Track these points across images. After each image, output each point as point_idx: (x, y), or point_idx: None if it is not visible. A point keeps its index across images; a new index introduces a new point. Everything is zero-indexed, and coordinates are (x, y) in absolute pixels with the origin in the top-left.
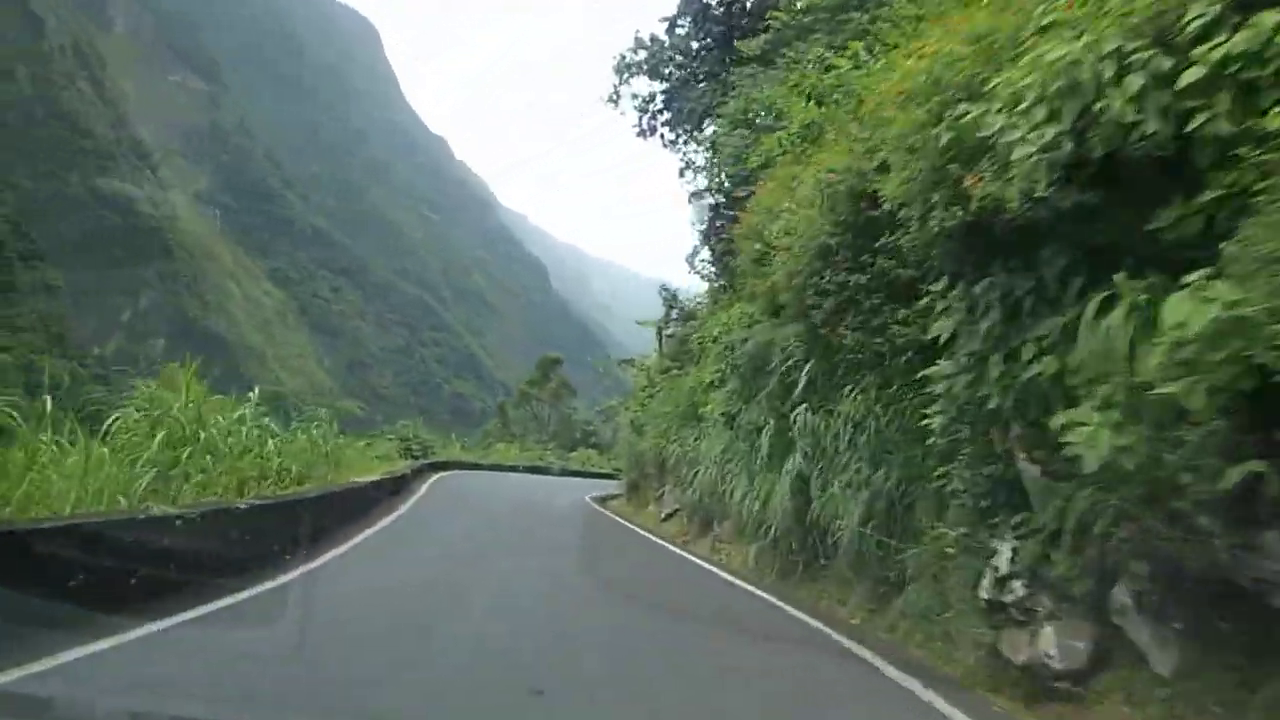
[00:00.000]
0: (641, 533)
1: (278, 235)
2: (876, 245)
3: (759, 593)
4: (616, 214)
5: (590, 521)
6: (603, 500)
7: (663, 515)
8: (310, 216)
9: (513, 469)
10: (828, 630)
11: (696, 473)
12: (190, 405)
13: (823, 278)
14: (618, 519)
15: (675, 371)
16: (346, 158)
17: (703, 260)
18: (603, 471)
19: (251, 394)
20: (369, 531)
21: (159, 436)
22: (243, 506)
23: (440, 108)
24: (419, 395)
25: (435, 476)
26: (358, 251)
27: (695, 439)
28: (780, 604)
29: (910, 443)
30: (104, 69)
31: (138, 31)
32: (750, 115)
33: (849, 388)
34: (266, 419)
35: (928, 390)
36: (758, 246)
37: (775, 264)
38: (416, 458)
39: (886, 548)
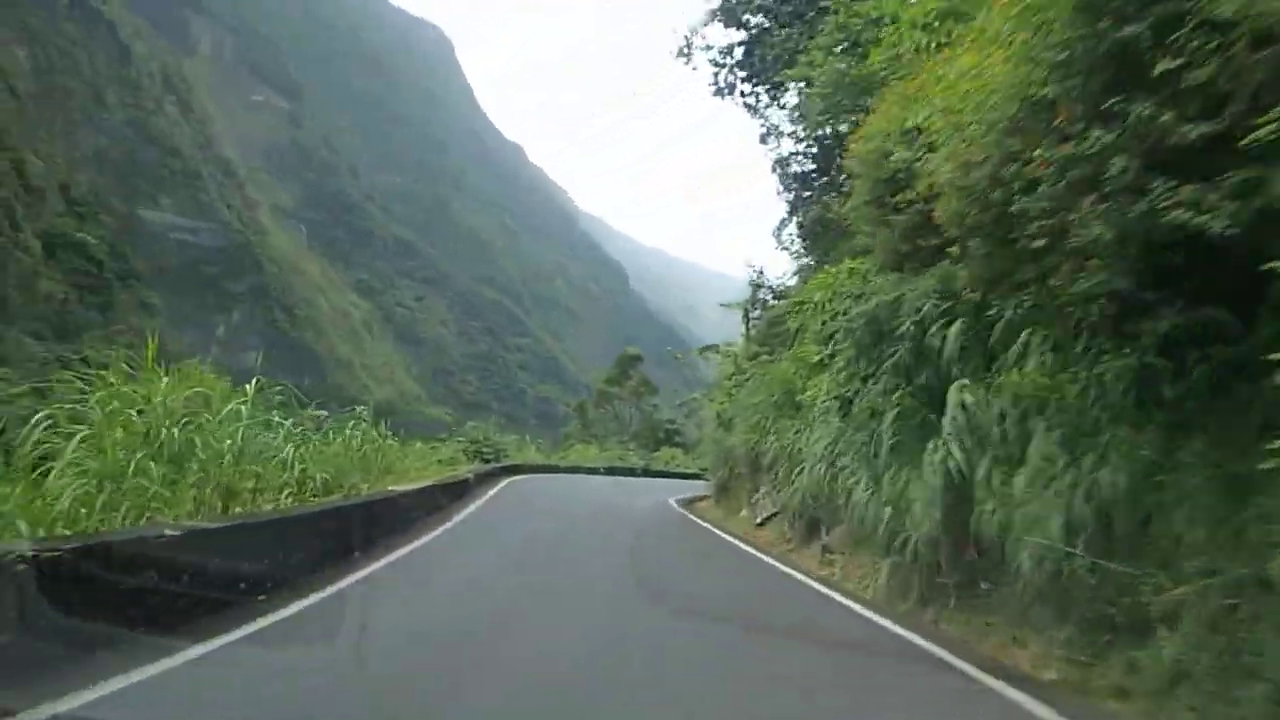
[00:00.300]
0: (732, 540)
1: (361, 247)
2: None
3: (892, 626)
4: (702, 216)
5: (674, 527)
6: (688, 503)
7: (757, 520)
8: (392, 227)
9: (592, 471)
10: (1012, 691)
11: (799, 470)
12: (163, 401)
13: (1022, 162)
14: (705, 524)
15: (765, 357)
16: (426, 168)
17: (790, 234)
18: (688, 472)
19: (358, 408)
20: (406, 549)
21: (71, 443)
22: (172, 534)
23: (514, 114)
24: (503, 400)
25: (506, 481)
26: (440, 260)
27: (795, 431)
28: (925, 643)
29: (1137, 425)
30: (190, 92)
31: (220, 54)
32: (853, 32)
33: (1017, 351)
34: (283, 420)
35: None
36: (890, 161)
37: (922, 177)
38: (487, 461)
39: (1106, 573)
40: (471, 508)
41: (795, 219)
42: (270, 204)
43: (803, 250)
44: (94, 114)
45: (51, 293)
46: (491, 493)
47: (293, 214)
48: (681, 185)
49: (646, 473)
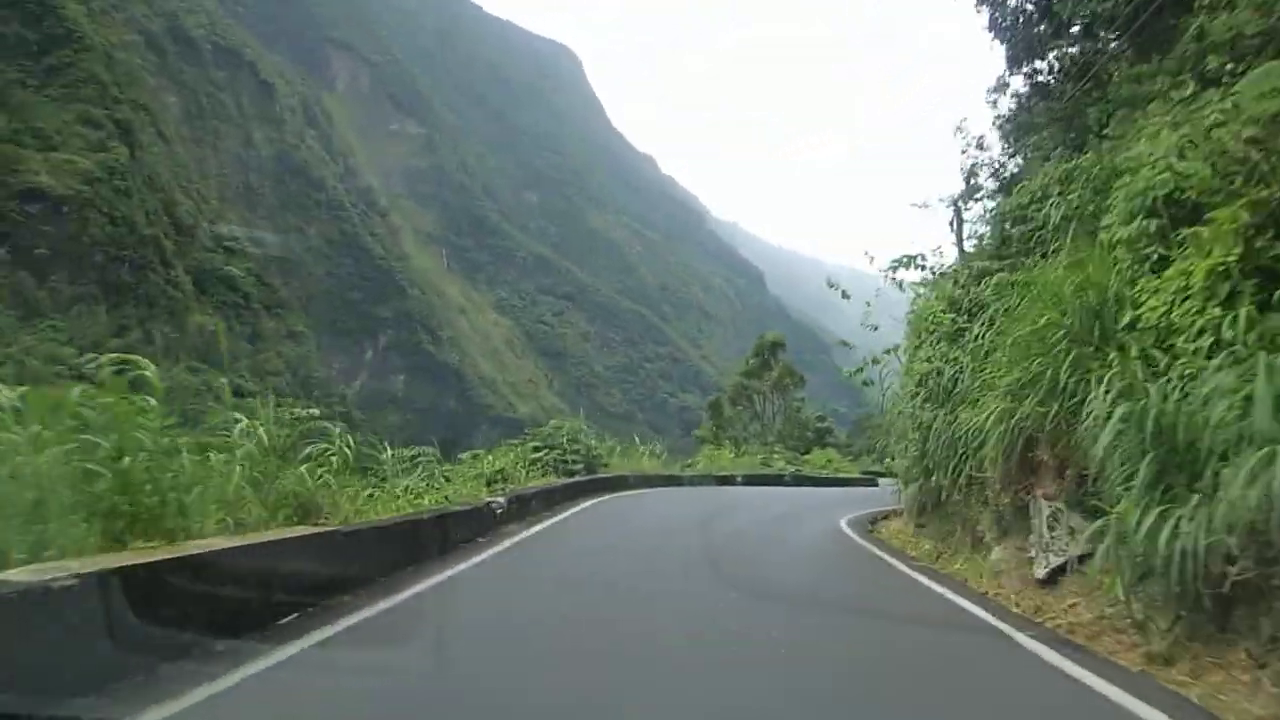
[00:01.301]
0: (999, 623)
1: (501, 266)
2: None
3: None
4: (831, 212)
5: (872, 585)
6: (870, 526)
7: (1041, 572)
8: (530, 245)
9: (725, 481)
10: None
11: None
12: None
13: None
14: (919, 577)
15: (1003, 274)
16: (560, 185)
17: (1014, 94)
18: (849, 476)
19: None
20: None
21: None
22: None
23: (643, 126)
24: (645, 410)
25: (589, 503)
26: (578, 275)
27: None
28: None
29: None
30: (330, 124)
31: (356, 86)
32: None
33: None
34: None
35: None
36: None
37: None
38: (573, 473)
39: None
40: (504, 544)
41: (1021, 71)
42: (411, 229)
43: (1026, 104)
44: (241, 152)
45: (202, 325)
46: (538, 528)
47: (433, 238)
48: (809, 185)
49: (797, 480)
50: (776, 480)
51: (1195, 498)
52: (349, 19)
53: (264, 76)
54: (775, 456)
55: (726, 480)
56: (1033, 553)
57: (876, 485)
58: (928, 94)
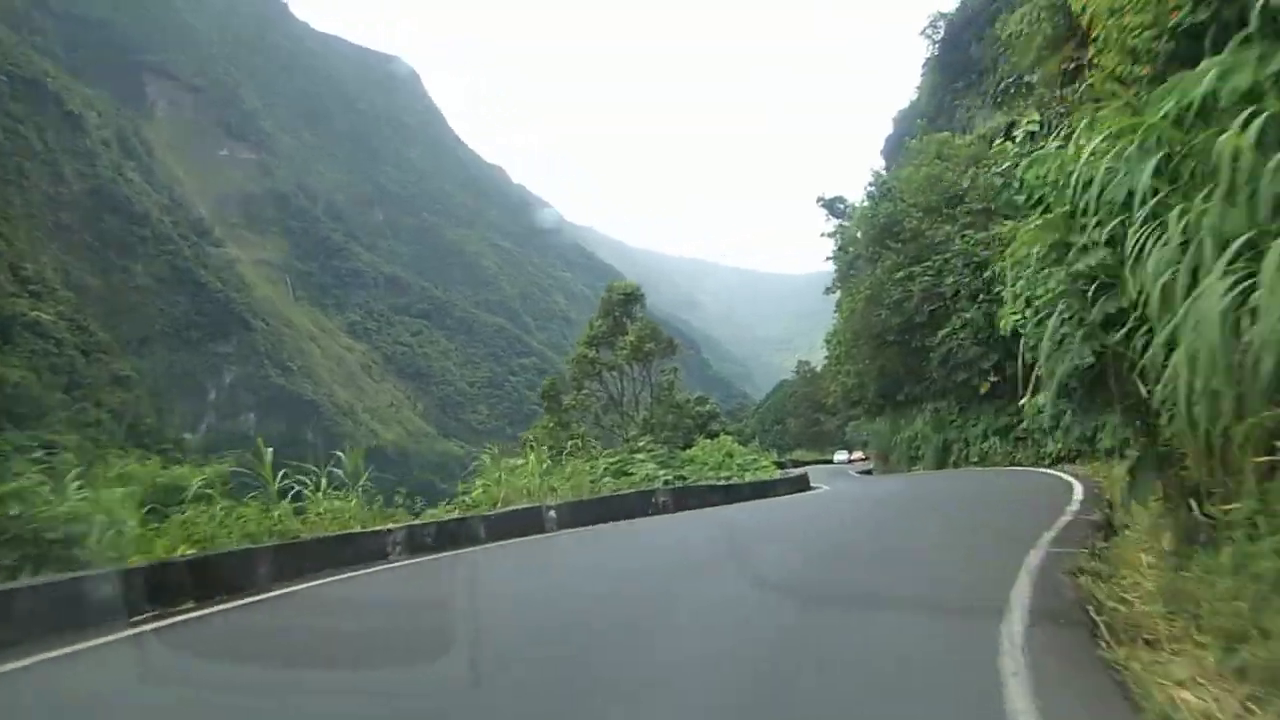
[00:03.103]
0: None
1: (350, 289)
2: None
3: None
4: (690, 214)
5: None
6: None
7: None
8: (381, 265)
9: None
10: None
11: None
12: None
13: None
14: None
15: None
16: (409, 200)
17: None
18: (766, 479)
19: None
20: None
21: None
22: None
23: (488, 136)
24: (515, 425)
25: None
26: (433, 292)
27: None
28: None
29: None
30: (151, 155)
31: (178, 112)
32: None
33: None
34: None
35: None
36: None
37: None
38: None
39: None
40: None
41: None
42: (251, 259)
43: None
44: (50, 190)
45: (3, 377)
46: None
47: (275, 265)
48: (664, 185)
49: (678, 496)
50: (637, 508)
51: None
52: (164, 42)
53: (70, 108)
54: (639, 458)
55: (502, 527)
56: None
57: (833, 462)
58: (777, 92)
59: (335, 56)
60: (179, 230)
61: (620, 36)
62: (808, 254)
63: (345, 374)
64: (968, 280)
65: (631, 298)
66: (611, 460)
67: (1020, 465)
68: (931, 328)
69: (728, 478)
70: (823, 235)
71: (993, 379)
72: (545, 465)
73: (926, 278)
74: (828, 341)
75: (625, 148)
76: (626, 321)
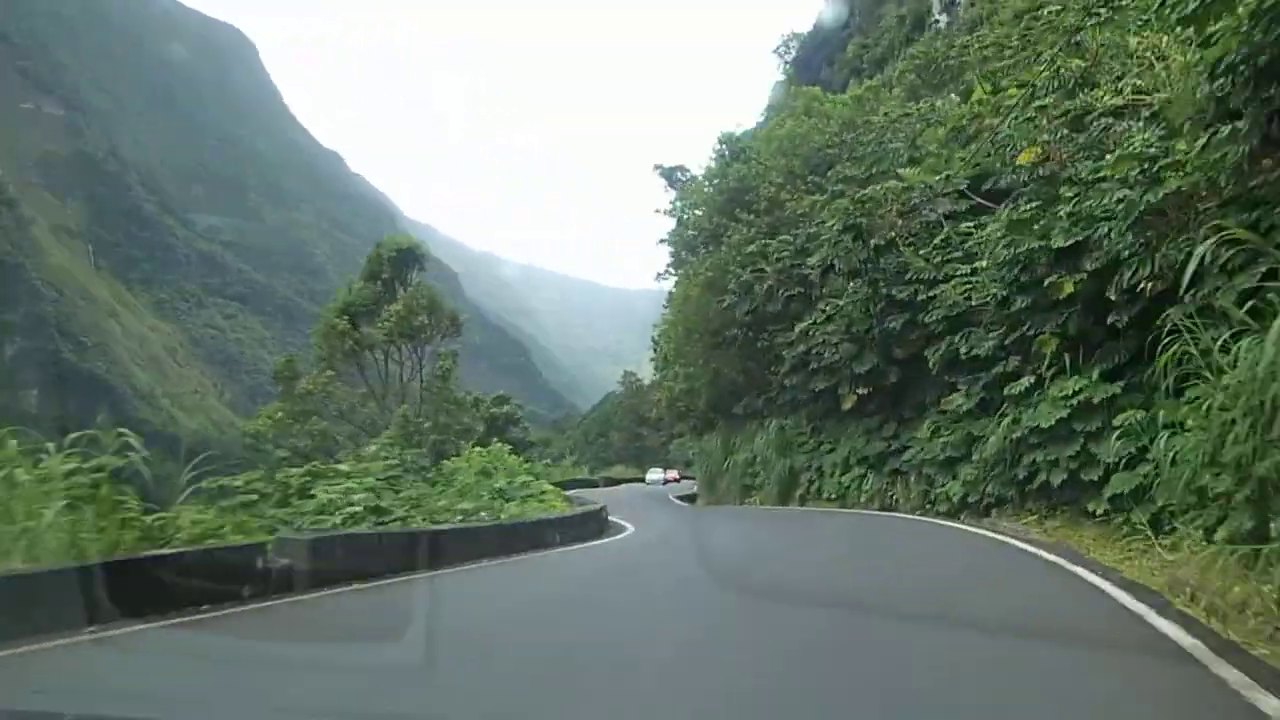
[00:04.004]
0: None
1: (161, 266)
2: None
3: None
4: (533, 218)
5: None
6: None
7: None
8: (196, 242)
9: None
10: None
11: None
12: None
13: None
14: None
15: None
16: (234, 179)
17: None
18: (542, 519)
19: None
20: None
21: None
22: None
23: (328, 120)
24: None
25: None
26: (253, 275)
27: None
28: None
29: None
30: None
31: None
32: None
33: None
34: None
35: None
36: None
37: None
38: None
39: None
40: None
41: None
42: (50, 223)
43: None
44: None
45: None
46: None
47: (75, 233)
48: (510, 190)
49: (345, 546)
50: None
51: None
52: None
53: None
54: (343, 469)
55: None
56: None
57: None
58: (620, 98)
59: (167, 18)
60: None
61: (502, 34)
62: (649, 269)
63: (148, 355)
64: (846, 252)
65: (407, 256)
66: (290, 477)
67: (899, 511)
68: (787, 320)
69: (469, 512)
70: (657, 211)
71: (861, 390)
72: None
73: (785, 254)
74: (655, 342)
75: (475, 148)
76: (399, 284)
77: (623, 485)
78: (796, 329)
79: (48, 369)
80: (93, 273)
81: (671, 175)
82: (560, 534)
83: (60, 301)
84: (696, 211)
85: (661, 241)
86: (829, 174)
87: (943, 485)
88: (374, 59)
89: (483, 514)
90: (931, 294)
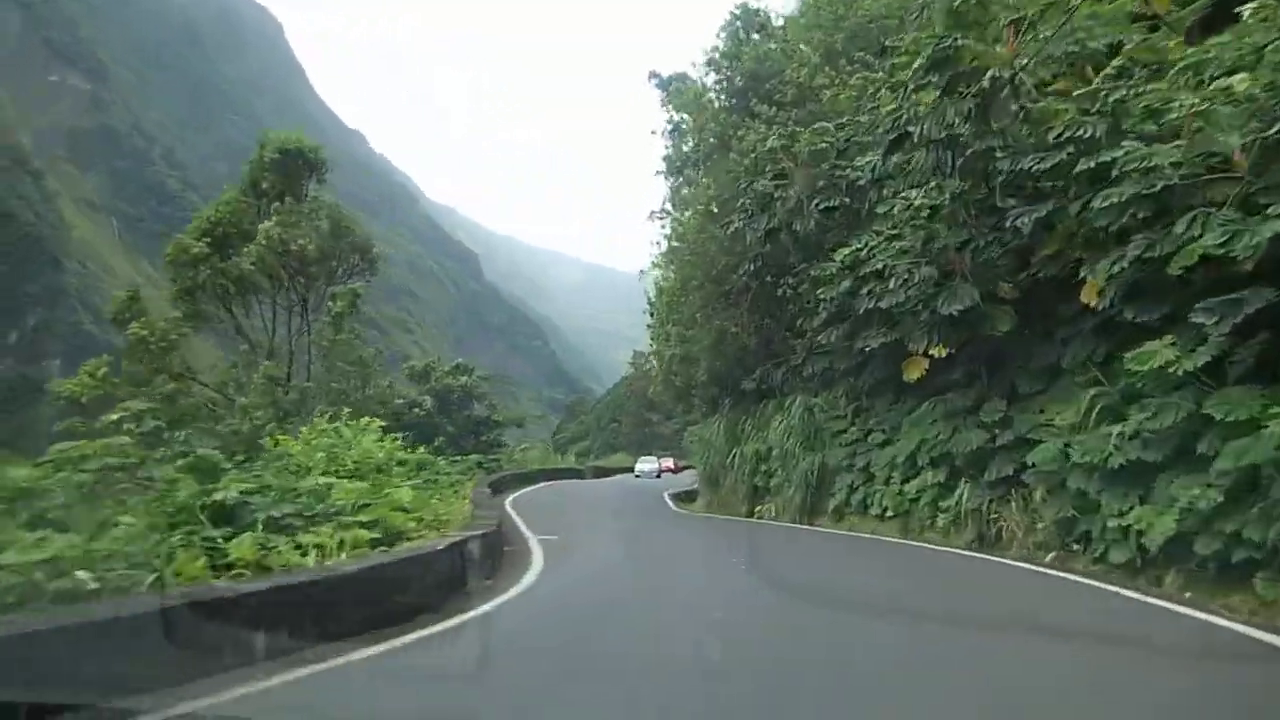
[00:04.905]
0: None
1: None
2: None
3: None
4: (552, 204)
5: None
6: None
7: None
8: None
9: None
10: None
11: None
12: None
13: None
14: None
15: None
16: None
17: None
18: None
19: None
20: None
21: None
22: None
23: (352, 100)
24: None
25: None
26: None
27: None
28: None
29: None
30: None
31: (4, 31)
32: None
33: None
34: None
35: None
36: None
37: None
38: None
39: None
40: None
41: None
42: (74, 196)
43: None
44: None
45: None
46: None
47: (99, 206)
48: (531, 176)
49: None
50: None
51: None
52: None
53: None
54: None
55: None
56: None
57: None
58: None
59: None
60: None
61: (504, 29)
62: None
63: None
64: (932, 112)
65: (301, 160)
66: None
67: (1009, 552)
68: (822, 251)
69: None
70: (652, 133)
71: (941, 349)
72: None
73: (822, 147)
74: (651, 304)
75: (477, 143)
76: (290, 195)
77: (617, 476)
78: (838, 257)
79: (70, 340)
80: (116, 246)
81: (669, 85)
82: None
83: (84, 274)
84: (707, 102)
85: (657, 173)
86: (888, 57)
87: (1118, 516)
88: (377, 54)
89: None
90: (1101, 160)
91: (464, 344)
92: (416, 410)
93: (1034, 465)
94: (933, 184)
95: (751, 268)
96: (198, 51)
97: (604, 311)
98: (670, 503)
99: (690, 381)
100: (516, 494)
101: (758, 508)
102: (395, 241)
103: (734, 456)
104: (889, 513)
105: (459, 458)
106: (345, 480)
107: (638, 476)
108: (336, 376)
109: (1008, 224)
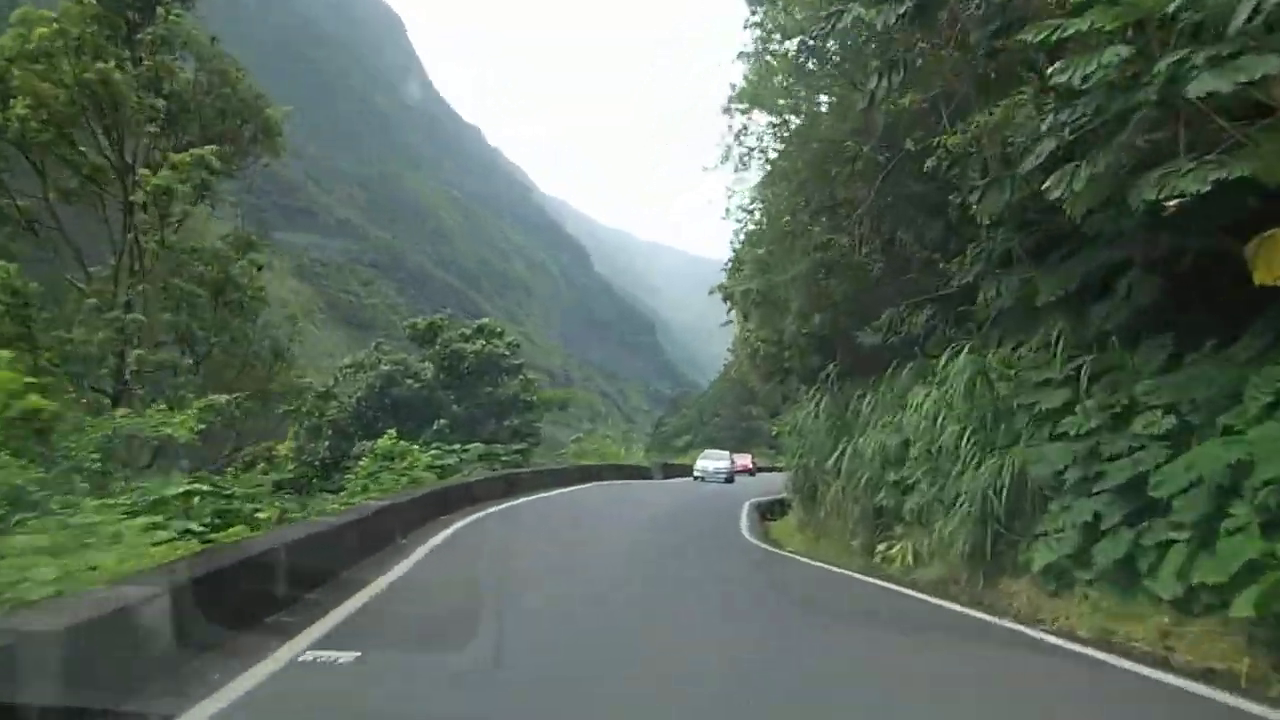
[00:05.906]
0: None
1: (302, 230)
2: None
3: None
4: (664, 199)
5: None
6: None
7: None
8: (336, 209)
9: None
10: None
11: None
12: None
13: None
14: None
15: None
16: (375, 149)
17: None
18: None
19: None
20: None
21: None
22: None
23: (471, 96)
24: None
25: None
26: (390, 243)
27: None
28: None
29: None
30: None
31: None
32: None
33: None
34: None
35: None
36: None
37: None
38: None
39: None
40: None
41: None
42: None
43: None
44: None
45: None
46: None
47: (221, 197)
48: (645, 170)
49: None
50: None
51: None
52: None
53: None
54: None
55: None
56: None
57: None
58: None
59: None
60: None
61: (508, 25)
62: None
63: (286, 317)
64: None
65: None
66: None
67: None
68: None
69: None
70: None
71: None
72: None
73: None
74: (736, 255)
75: (610, 132)
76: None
77: (688, 478)
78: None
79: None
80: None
81: None
82: None
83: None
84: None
85: (733, 94)
86: None
87: None
88: (488, 50)
89: None
90: None
91: (573, 339)
92: (410, 382)
93: None
94: None
95: (886, 158)
96: (317, 46)
97: (707, 303)
98: (748, 528)
99: (779, 341)
100: (515, 502)
101: (879, 544)
102: (511, 236)
103: (842, 455)
104: (1178, 593)
105: (456, 448)
106: None
107: (700, 479)
108: (173, 304)
109: None
